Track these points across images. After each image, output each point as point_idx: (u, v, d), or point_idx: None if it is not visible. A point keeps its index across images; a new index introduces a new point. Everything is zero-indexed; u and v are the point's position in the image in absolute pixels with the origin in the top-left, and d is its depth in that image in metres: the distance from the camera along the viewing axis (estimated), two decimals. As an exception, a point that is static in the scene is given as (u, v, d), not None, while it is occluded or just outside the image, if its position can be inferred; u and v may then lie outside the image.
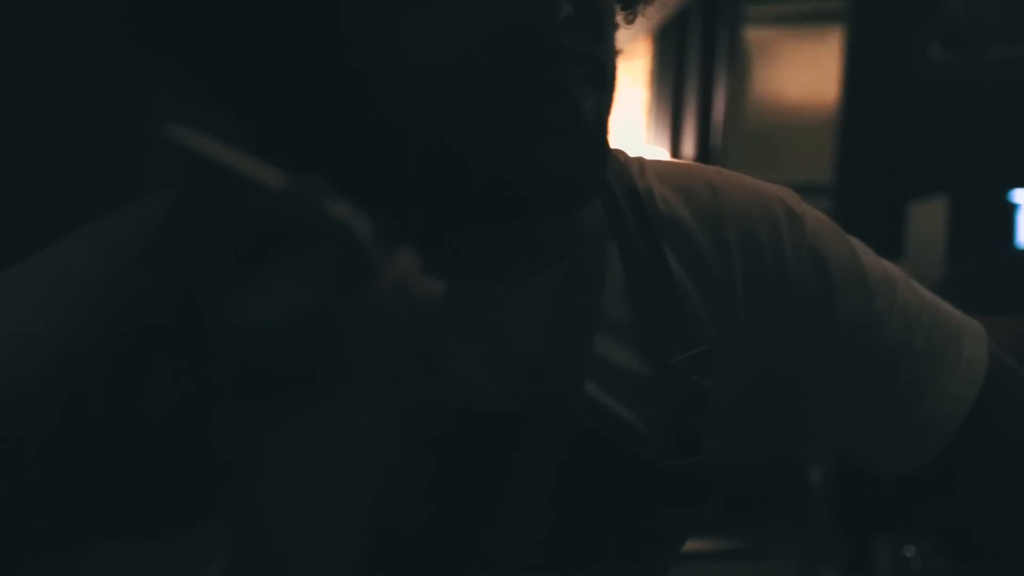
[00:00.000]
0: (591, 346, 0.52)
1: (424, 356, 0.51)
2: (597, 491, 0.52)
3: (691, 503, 0.55)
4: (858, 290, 0.57)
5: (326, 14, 0.44)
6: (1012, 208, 2.70)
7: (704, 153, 3.41)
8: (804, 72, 3.40)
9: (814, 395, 0.58)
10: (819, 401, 0.59)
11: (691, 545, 0.59)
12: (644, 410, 0.53)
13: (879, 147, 3.04)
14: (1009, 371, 0.61)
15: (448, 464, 0.51)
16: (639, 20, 0.56)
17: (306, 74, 0.45)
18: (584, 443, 0.51)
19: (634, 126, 3.42)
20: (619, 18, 0.52)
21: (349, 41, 0.45)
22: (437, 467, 0.51)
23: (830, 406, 0.59)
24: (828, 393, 0.58)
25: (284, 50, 0.44)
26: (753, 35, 3.50)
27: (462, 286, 0.50)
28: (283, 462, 0.47)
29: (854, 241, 0.60)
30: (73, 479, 0.33)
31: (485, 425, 0.51)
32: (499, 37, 0.44)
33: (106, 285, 0.33)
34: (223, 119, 0.47)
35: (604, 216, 0.55)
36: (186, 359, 0.31)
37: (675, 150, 3.42)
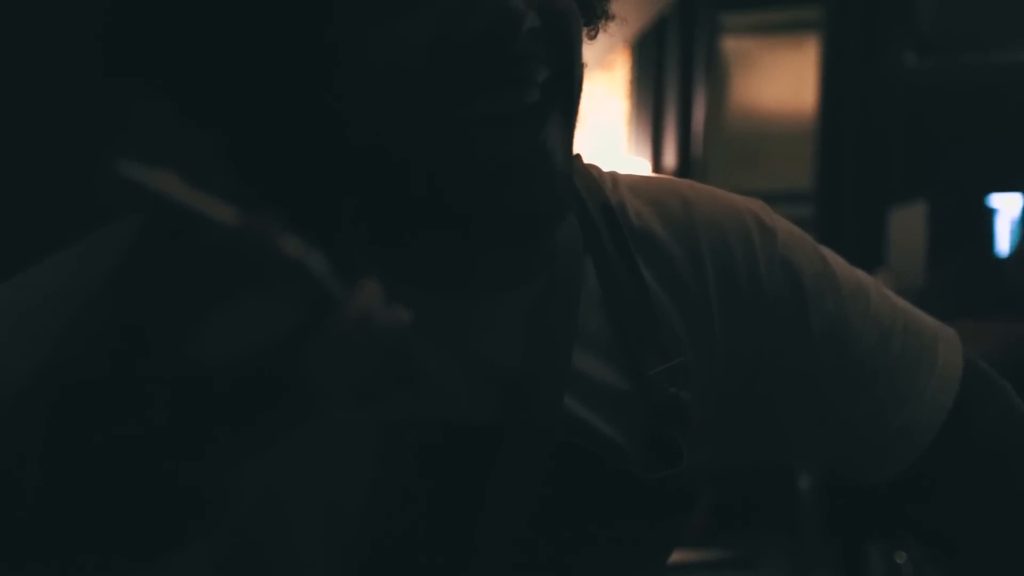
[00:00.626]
0: (569, 360, 0.52)
1: (403, 373, 0.50)
2: (578, 504, 0.52)
3: (673, 513, 0.55)
4: (831, 300, 0.57)
5: (300, 31, 0.44)
6: (991, 212, 2.73)
7: (685, 162, 3.43)
8: (782, 80, 3.43)
9: (791, 405, 0.58)
10: (796, 411, 0.59)
11: (682, 555, 0.60)
12: (622, 423, 0.53)
13: (857, 154, 3.06)
14: (984, 377, 0.61)
15: (430, 478, 0.51)
16: (615, 31, 0.56)
17: (275, 89, 0.45)
18: (564, 456, 0.51)
19: (614, 137, 3.43)
20: (584, 33, 0.52)
21: (322, 51, 0.45)
22: (419, 482, 0.51)
23: (807, 416, 0.59)
24: (805, 403, 0.58)
25: (253, 63, 0.44)
26: (731, 45, 3.53)
27: (440, 302, 0.51)
28: (266, 479, 0.47)
29: (826, 251, 0.60)
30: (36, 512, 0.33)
31: (466, 440, 0.51)
32: (463, 46, 0.44)
33: (65, 320, 0.33)
34: (185, 127, 0.47)
35: (579, 231, 0.55)
36: (143, 394, 0.30)
37: (656, 160, 3.44)
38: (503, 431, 0.51)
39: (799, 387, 0.58)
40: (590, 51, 0.51)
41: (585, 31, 0.53)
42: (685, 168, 3.43)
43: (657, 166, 3.43)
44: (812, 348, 0.57)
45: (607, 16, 0.54)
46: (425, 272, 0.51)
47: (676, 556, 0.59)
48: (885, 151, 3.05)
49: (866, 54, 3.06)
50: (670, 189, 0.59)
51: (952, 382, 0.59)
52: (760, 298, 0.56)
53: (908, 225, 2.61)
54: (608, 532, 0.53)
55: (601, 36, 0.55)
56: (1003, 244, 2.68)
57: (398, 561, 0.51)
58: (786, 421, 0.59)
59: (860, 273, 0.61)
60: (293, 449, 0.48)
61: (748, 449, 0.61)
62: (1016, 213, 2.68)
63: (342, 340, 0.31)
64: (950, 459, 0.59)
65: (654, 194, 0.58)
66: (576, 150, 0.57)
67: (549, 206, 0.46)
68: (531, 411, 0.51)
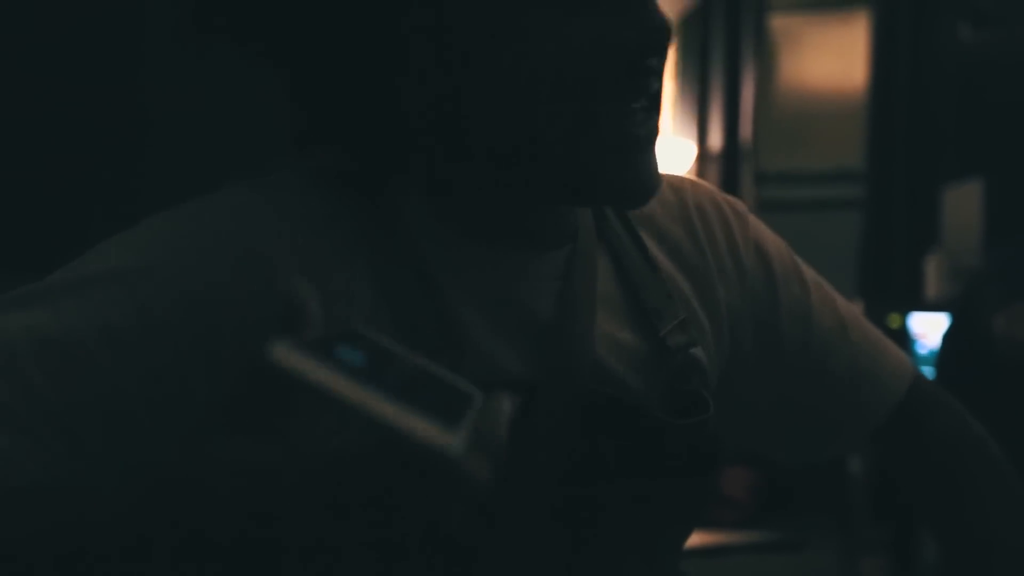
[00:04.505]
0: (595, 320, 0.57)
1: (443, 331, 0.53)
2: (611, 455, 0.55)
3: (699, 466, 0.57)
4: (796, 284, 0.66)
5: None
6: (1049, 189, 2.65)
7: (732, 143, 3.39)
8: (831, 58, 3.36)
9: (757, 374, 0.65)
10: (762, 379, 0.65)
11: (732, 537, 0.60)
12: (646, 379, 0.57)
13: (909, 131, 3.00)
14: (931, 386, 0.70)
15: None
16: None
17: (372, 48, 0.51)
18: (596, 408, 0.54)
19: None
20: None
21: (452, 27, 0.50)
22: None
23: (770, 386, 0.65)
24: (770, 373, 0.65)
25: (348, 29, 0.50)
26: (778, 22, 3.47)
27: (483, 254, 0.55)
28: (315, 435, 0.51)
29: (792, 252, 0.68)
30: None
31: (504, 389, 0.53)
32: (616, 51, 0.50)
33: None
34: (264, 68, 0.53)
35: (591, 218, 0.60)
36: None
37: (701, 142, 3.40)
38: (541, 383, 0.53)
39: (766, 360, 0.64)
40: None
41: None
42: (732, 149, 3.38)
43: (702, 148, 3.40)
44: (781, 326, 0.64)
45: None
46: (470, 220, 0.55)
47: (724, 537, 0.60)
48: (938, 128, 2.98)
49: (918, 28, 2.99)
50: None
51: (907, 370, 0.67)
52: (742, 275, 0.64)
53: (963, 205, 2.55)
54: (637, 486, 0.55)
55: None
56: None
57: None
58: (751, 392, 0.65)
59: (821, 278, 0.69)
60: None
61: (737, 425, 0.66)
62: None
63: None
64: (898, 450, 0.69)
65: None
66: None
67: (657, 178, 0.54)
68: (566, 360, 0.55)
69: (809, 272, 0.67)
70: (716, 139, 3.40)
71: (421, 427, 0.27)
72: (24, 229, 1.09)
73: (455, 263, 0.54)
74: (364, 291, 0.52)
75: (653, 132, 0.53)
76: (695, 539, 0.65)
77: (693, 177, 0.70)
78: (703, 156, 3.38)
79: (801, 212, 3.05)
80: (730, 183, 3.23)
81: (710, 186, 0.67)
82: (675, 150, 3.22)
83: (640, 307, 0.58)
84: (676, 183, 0.65)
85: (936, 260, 2.64)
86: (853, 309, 0.69)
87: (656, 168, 0.54)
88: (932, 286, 2.62)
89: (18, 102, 1.07)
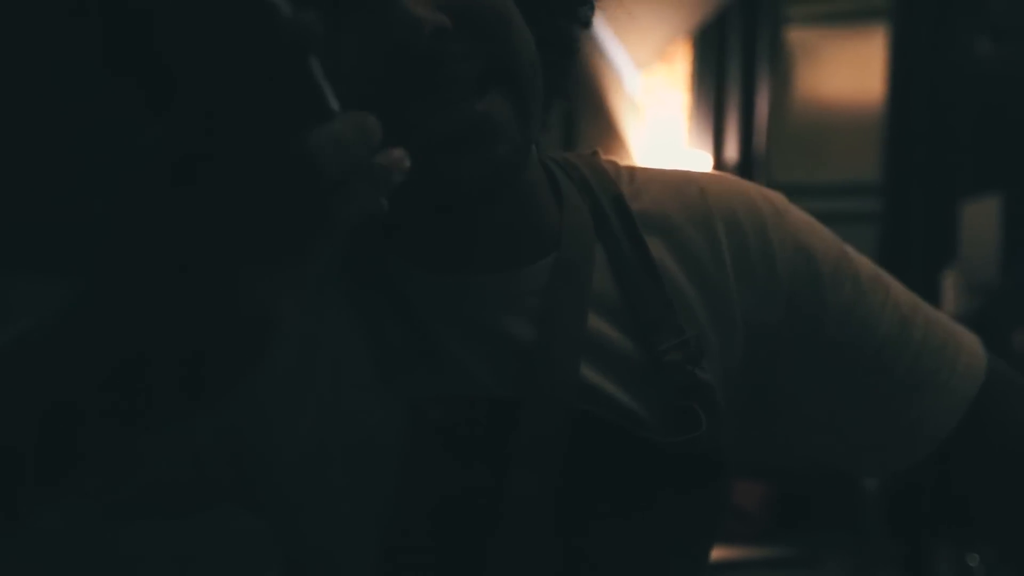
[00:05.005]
0: (584, 331, 0.54)
1: (423, 350, 0.52)
2: (601, 475, 0.53)
3: (698, 482, 0.55)
4: (848, 284, 0.59)
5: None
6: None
7: (747, 156, 3.38)
8: (848, 71, 3.35)
9: (811, 388, 0.60)
10: (815, 394, 0.60)
11: (745, 552, 0.59)
12: (638, 392, 0.55)
13: (927, 145, 2.98)
14: (1009, 377, 0.62)
15: (454, 453, 0.52)
16: (673, 20, 0.58)
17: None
18: (584, 427, 0.52)
19: (674, 130, 3.40)
20: (569, 17, 0.56)
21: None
22: (444, 457, 0.52)
23: (827, 399, 0.60)
24: (824, 385, 0.60)
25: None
26: (794, 35, 3.46)
27: (453, 279, 0.54)
28: (302, 462, 0.50)
29: (846, 244, 0.63)
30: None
31: (487, 413, 0.52)
32: (381, 64, 0.47)
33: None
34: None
35: (589, 218, 0.58)
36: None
37: (717, 153, 3.39)
38: (523, 402, 0.52)
39: (819, 370, 0.59)
40: (649, 44, 0.53)
41: (573, 13, 0.57)
42: (747, 161, 3.38)
43: (718, 159, 3.39)
44: (829, 329, 0.58)
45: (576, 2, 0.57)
46: (435, 254, 0.54)
47: (739, 552, 0.59)
48: (956, 142, 2.96)
49: (936, 41, 2.97)
50: (687, 178, 0.62)
51: (977, 371, 0.60)
52: (775, 280, 0.59)
53: (981, 219, 2.53)
54: (632, 504, 0.54)
55: (660, 28, 0.57)
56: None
57: (425, 536, 0.52)
58: (806, 405, 0.60)
59: (881, 269, 0.62)
60: (325, 433, 0.50)
61: (773, 439, 0.62)
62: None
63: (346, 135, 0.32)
64: (971, 455, 0.60)
65: (671, 183, 0.61)
66: (592, 146, 0.63)
67: (493, 166, 0.49)
68: (548, 379, 0.53)
69: (865, 266, 0.61)
70: (732, 151, 3.39)
71: None
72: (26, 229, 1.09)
73: (426, 294, 0.54)
74: (337, 312, 0.52)
75: (474, 122, 0.48)
76: (706, 554, 0.64)
77: (726, 175, 0.64)
78: (719, 168, 3.38)
79: (817, 225, 3.03)
80: (745, 195, 3.21)
81: (747, 183, 0.63)
82: (691, 161, 3.22)
83: (637, 318, 0.56)
84: (705, 183, 0.61)
85: (953, 275, 2.62)
86: (916, 301, 0.62)
87: (496, 160, 0.49)
88: (949, 301, 2.60)
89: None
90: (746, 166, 3.37)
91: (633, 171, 0.62)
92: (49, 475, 0.35)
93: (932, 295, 2.73)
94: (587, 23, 0.59)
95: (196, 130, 0.32)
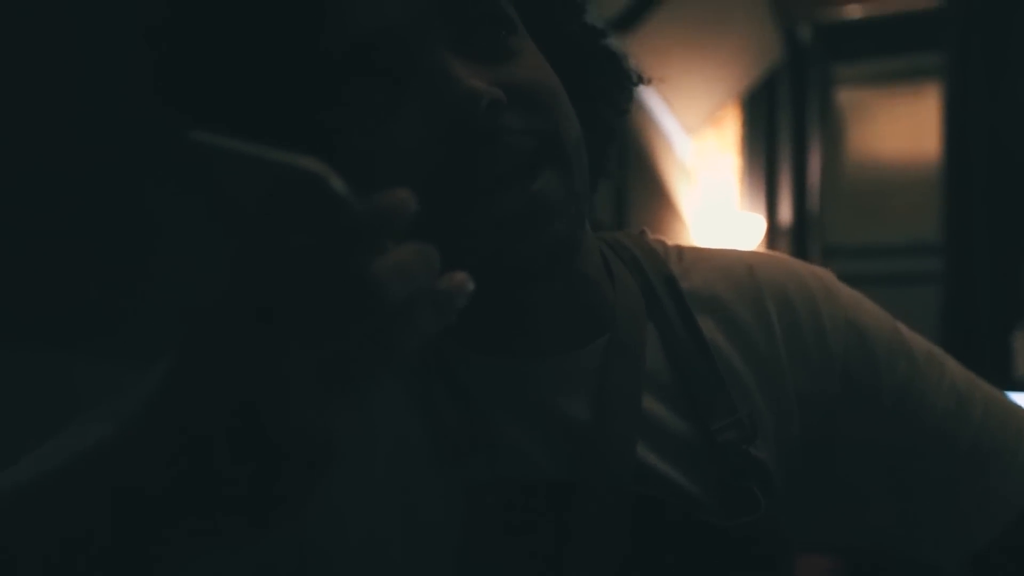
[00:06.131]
0: (639, 410, 0.54)
1: (479, 433, 0.52)
2: (659, 557, 0.52)
3: (759, 564, 0.54)
4: (903, 360, 0.59)
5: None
6: None
7: (801, 217, 3.34)
8: (901, 129, 3.32)
9: (868, 468, 0.58)
10: (874, 474, 0.58)
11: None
12: (694, 473, 0.54)
13: (988, 201, 2.92)
14: None
15: (512, 537, 0.52)
16: (722, 85, 0.58)
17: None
18: (642, 508, 0.52)
19: (727, 193, 3.39)
20: (605, 101, 0.58)
21: (337, 148, 0.50)
22: (502, 541, 0.51)
23: (886, 478, 0.58)
24: (882, 465, 0.58)
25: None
26: (845, 96, 3.45)
27: (508, 362, 0.54)
28: (361, 548, 0.49)
29: (898, 322, 0.62)
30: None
31: (545, 496, 0.52)
32: (439, 137, 0.48)
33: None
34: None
35: (641, 298, 0.58)
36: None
37: (771, 216, 3.36)
38: (579, 485, 0.51)
39: (877, 448, 0.58)
40: (698, 109, 0.53)
41: (621, 91, 0.58)
42: (801, 223, 3.34)
43: (772, 222, 3.36)
44: (885, 406, 0.58)
45: (623, 76, 0.59)
46: (490, 337, 0.54)
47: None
48: (1018, 196, 2.90)
49: (993, 95, 2.94)
50: (735, 257, 0.62)
51: None
52: (828, 356, 0.58)
53: (1049, 276, 2.45)
54: None
55: (709, 93, 0.57)
56: None
57: None
58: (865, 485, 0.59)
59: (935, 346, 0.62)
60: (383, 518, 0.50)
61: (833, 519, 0.61)
62: None
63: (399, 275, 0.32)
64: None
65: (720, 262, 0.62)
66: (642, 227, 0.64)
67: (551, 246, 0.50)
68: (605, 461, 0.52)
69: (919, 343, 0.61)
70: (785, 213, 3.36)
71: (310, 161, 0.31)
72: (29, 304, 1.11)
73: (481, 377, 0.54)
74: (393, 396, 0.52)
75: (529, 203, 0.49)
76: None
77: (774, 253, 0.65)
78: (773, 230, 3.35)
79: (874, 286, 2.97)
80: (799, 258, 3.17)
81: (795, 261, 0.63)
82: (744, 225, 3.19)
83: (690, 398, 0.55)
84: (753, 262, 0.61)
85: (1022, 336, 2.53)
86: (974, 379, 0.61)
87: (550, 240, 0.49)
88: (1021, 364, 2.51)
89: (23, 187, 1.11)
90: (800, 228, 3.34)
91: (681, 250, 0.63)
92: None
93: (1002, 357, 2.64)
94: (626, 109, 0.61)
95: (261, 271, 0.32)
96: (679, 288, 0.59)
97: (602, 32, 0.59)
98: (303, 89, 0.50)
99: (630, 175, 2.62)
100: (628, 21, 2.30)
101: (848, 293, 0.61)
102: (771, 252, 0.64)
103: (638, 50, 2.34)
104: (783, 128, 3.38)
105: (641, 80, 0.61)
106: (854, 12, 3.30)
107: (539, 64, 0.52)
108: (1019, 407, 0.60)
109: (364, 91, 0.49)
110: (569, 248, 0.51)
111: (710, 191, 3.33)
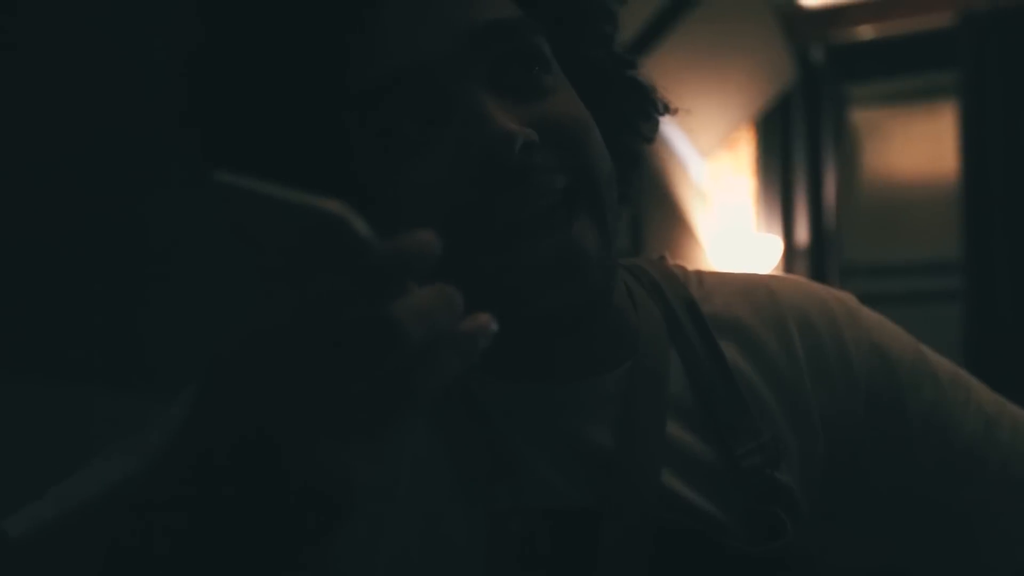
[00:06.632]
0: (663, 436, 0.53)
1: (502, 460, 0.52)
2: None
3: None
4: (928, 384, 0.58)
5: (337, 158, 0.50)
6: None
7: (818, 237, 3.33)
8: (918, 148, 3.31)
9: (895, 492, 0.58)
10: (901, 498, 0.58)
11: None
12: (719, 499, 0.53)
13: (1007, 217, 2.90)
14: None
15: (536, 565, 0.51)
16: (736, 107, 0.58)
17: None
18: (667, 534, 0.51)
19: (743, 215, 3.38)
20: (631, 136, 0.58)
21: (362, 185, 0.50)
22: (525, 569, 0.51)
23: (912, 503, 0.58)
24: (909, 490, 0.58)
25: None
26: (859, 116, 3.45)
27: (532, 388, 0.53)
28: (383, 572, 0.49)
29: (922, 344, 0.61)
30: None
31: (569, 524, 0.51)
32: (470, 179, 0.48)
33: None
34: None
35: (662, 323, 0.57)
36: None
37: (787, 236, 3.35)
38: (604, 512, 0.51)
39: (904, 472, 0.57)
40: (712, 132, 0.53)
41: (635, 133, 0.58)
42: (818, 242, 3.32)
43: (789, 242, 3.35)
44: (911, 429, 0.57)
45: (650, 105, 0.59)
46: (514, 364, 0.53)
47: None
48: (1038, 214, 2.87)
49: (1009, 111, 2.92)
50: (756, 281, 0.62)
51: None
52: (852, 380, 0.57)
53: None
54: None
55: (723, 116, 0.57)
56: None
57: None
58: (894, 509, 0.58)
59: (960, 369, 0.61)
60: (404, 541, 0.50)
61: (859, 544, 0.60)
62: None
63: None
64: None
65: (741, 286, 0.61)
66: (659, 251, 0.63)
67: (586, 295, 0.49)
68: (629, 488, 0.51)
69: (945, 366, 0.60)
70: (802, 233, 3.35)
71: (332, 204, 0.31)
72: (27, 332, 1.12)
73: (505, 403, 0.53)
74: (415, 423, 0.52)
75: (566, 247, 0.49)
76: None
77: (794, 276, 0.64)
78: (790, 251, 3.33)
79: (892, 305, 2.95)
80: (818, 277, 3.15)
81: (817, 284, 0.63)
82: (762, 246, 3.18)
83: (713, 423, 0.55)
84: (774, 286, 0.61)
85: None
86: (1001, 402, 0.60)
87: (586, 285, 0.49)
88: (1046, 380, 2.47)
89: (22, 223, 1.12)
90: (818, 248, 3.32)
91: (701, 275, 0.63)
92: None
93: (1027, 374, 2.61)
94: (651, 139, 0.60)
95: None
96: (700, 312, 0.59)
97: (631, 62, 0.59)
98: (328, 126, 0.50)
99: (646, 199, 2.62)
100: (641, 46, 2.31)
101: (871, 316, 0.61)
102: (791, 276, 0.63)
103: (651, 75, 2.34)
104: (798, 149, 3.38)
105: (668, 110, 0.61)
106: (866, 32, 3.31)
107: (571, 99, 0.52)
108: None
109: (393, 127, 0.49)
110: (604, 296, 0.51)
111: (726, 213, 3.32)
